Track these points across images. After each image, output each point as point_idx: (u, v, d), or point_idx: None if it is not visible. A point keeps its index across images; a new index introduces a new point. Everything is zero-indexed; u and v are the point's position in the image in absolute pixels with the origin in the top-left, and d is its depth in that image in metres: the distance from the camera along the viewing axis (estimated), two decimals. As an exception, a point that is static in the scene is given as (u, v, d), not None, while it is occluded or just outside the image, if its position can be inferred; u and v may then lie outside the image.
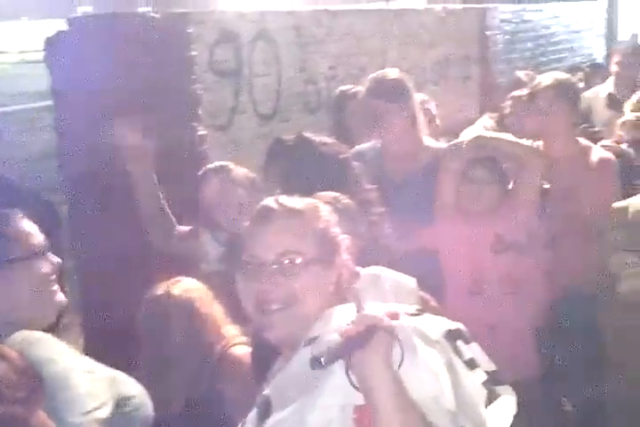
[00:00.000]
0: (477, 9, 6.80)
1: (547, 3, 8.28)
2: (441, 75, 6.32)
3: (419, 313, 1.60)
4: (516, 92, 4.91)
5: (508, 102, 4.87)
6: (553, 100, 3.63)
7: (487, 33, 6.85)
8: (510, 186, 3.37)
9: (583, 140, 3.80)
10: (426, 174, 3.54)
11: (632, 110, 4.93)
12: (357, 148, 3.79)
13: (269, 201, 1.69)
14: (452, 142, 3.54)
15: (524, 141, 3.60)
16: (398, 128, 3.59)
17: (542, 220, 3.55)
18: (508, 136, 3.65)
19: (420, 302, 2.48)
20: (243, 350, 2.59)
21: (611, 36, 9.88)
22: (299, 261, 1.60)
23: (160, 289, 2.78)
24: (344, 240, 1.71)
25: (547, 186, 3.63)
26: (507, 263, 3.25)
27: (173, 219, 3.24)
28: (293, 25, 4.55)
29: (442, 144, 3.79)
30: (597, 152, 3.73)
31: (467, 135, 4.62)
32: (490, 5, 7.05)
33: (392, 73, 3.76)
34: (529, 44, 7.78)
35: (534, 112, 3.77)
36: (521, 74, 5.84)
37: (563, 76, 3.79)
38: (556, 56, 8.46)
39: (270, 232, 1.64)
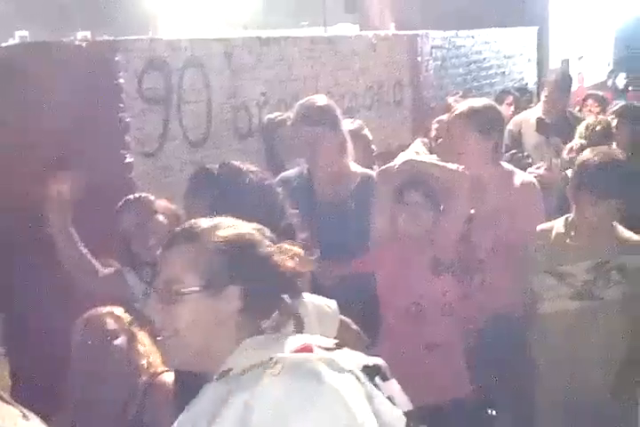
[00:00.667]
0: (409, 35, 6.93)
1: (478, 29, 8.44)
2: (374, 100, 6.41)
3: (336, 347, 1.59)
4: (441, 117, 5.02)
5: (434, 127, 4.97)
6: (466, 126, 3.71)
7: (418, 59, 6.97)
8: (442, 209, 3.45)
9: (506, 165, 3.88)
10: (354, 199, 3.60)
11: (580, 137, 5.06)
12: (284, 174, 3.85)
13: (183, 225, 1.69)
14: (383, 167, 3.59)
15: (451, 165, 3.68)
16: (327, 153, 3.65)
17: (470, 243, 3.63)
18: (436, 160, 3.73)
19: (341, 325, 2.53)
20: (170, 378, 2.60)
21: (542, 61, 10.13)
22: (180, 289, 1.56)
23: (91, 315, 2.78)
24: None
25: (472, 210, 3.72)
26: (444, 285, 3.30)
27: (95, 264, 3.22)
28: (224, 52, 4.59)
29: (369, 170, 3.86)
30: (520, 176, 3.82)
31: (398, 159, 4.71)
32: (420, 32, 7.18)
33: (320, 99, 3.82)
34: (461, 70, 7.94)
35: (453, 138, 3.86)
36: (451, 99, 5.96)
37: (480, 103, 3.82)
38: (488, 81, 8.64)
39: (165, 258, 1.62)
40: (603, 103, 7.33)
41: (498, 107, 3.99)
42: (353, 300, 3.06)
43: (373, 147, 4.85)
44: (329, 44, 5.77)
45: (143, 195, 3.28)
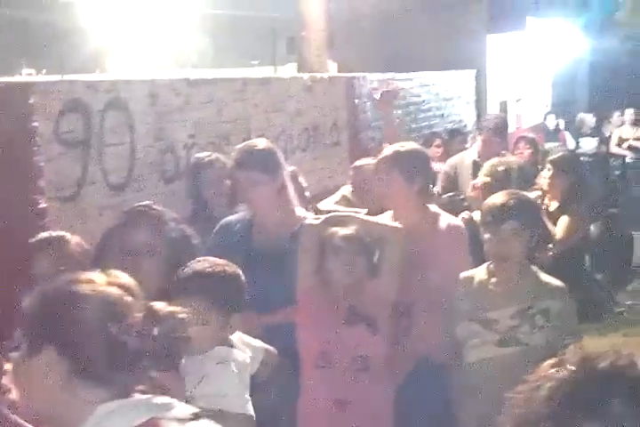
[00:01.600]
0: (346, 78, 6.93)
1: (416, 72, 8.50)
2: (309, 141, 6.36)
3: (192, 418, 1.47)
4: (359, 162, 5.01)
5: (352, 172, 4.97)
6: (391, 170, 3.67)
7: (355, 101, 6.96)
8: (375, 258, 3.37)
9: (433, 208, 3.83)
10: (291, 246, 3.50)
11: (485, 174, 5.06)
12: (227, 218, 3.77)
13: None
14: (308, 221, 3.50)
15: (379, 218, 3.63)
16: (265, 199, 3.57)
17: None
18: (362, 214, 3.68)
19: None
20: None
21: (480, 103, 10.24)
22: (20, 351, 1.49)
23: None
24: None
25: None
26: (358, 337, 3.20)
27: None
28: (149, 93, 4.49)
29: (308, 214, 3.79)
30: (446, 220, 3.77)
31: (323, 205, 4.64)
32: (358, 74, 7.19)
33: (260, 143, 3.75)
34: (399, 112, 7.94)
35: (378, 182, 3.81)
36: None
37: (405, 147, 3.80)
38: (427, 123, 8.68)
39: None
40: (534, 145, 7.40)
41: (424, 151, 3.97)
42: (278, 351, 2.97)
43: (307, 193, 4.81)
44: (262, 86, 5.71)
45: (61, 233, 3.16)
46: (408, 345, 3.49)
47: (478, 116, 10.21)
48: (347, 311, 3.24)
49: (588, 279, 8.77)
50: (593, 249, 9.94)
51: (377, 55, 10.31)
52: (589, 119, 12.40)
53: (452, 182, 6.43)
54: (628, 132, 12.28)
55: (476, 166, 6.01)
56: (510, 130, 11.47)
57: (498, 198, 3.24)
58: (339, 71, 10.89)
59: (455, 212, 5.69)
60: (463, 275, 3.35)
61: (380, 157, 3.80)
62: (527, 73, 11.96)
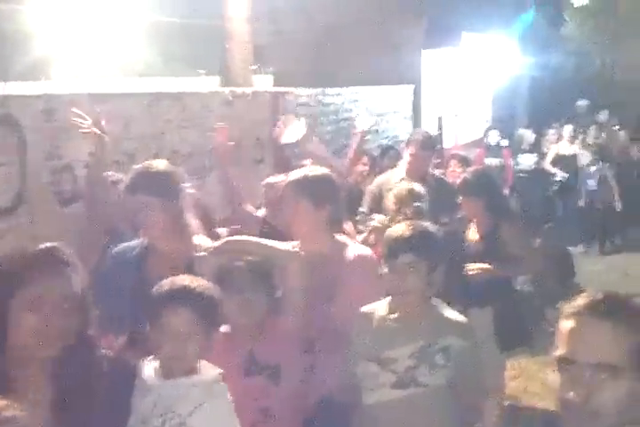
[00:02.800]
0: (270, 93, 6.70)
1: (352, 86, 8.32)
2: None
3: None
4: (272, 179, 4.76)
5: (263, 190, 4.73)
6: (298, 196, 3.44)
7: (280, 116, 6.72)
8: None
9: (340, 237, 3.60)
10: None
11: (391, 203, 4.87)
12: (123, 244, 3.46)
13: None
14: (200, 253, 3.24)
15: (282, 245, 3.37)
16: (161, 225, 3.28)
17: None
18: (264, 240, 3.42)
19: None
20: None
21: (417, 118, 10.11)
22: None
23: None
24: None
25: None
26: (259, 389, 2.94)
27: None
28: (43, 109, 4.21)
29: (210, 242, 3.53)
30: (354, 249, 3.53)
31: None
32: (283, 89, 6.98)
33: (157, 165, 3.41)
34: (329, 128, 7.76)
35: (285, 206, 3.57)
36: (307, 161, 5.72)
37: (316, 171, 3.55)
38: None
39: None
40: (465, 164, 7.26)
41: (333, 177, 3.70)
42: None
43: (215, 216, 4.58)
44: (176, 101, 5.46)
45: None
46: (311, 386, 3.26)
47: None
48: (246, 360, 2.99)
49: (519, 298, 8.72)
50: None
51: (313, 69, 10.13)
52: (528, 135, 12.33)
53: (378, 202, 6.21)
54: (565, 148, 12.26)
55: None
56: (448, 145, 11.41)
57: (395, 230, 3.03)
58: (275, 85, 10.71)
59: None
60: (363, 310, 3.12)
61: (288, 181, 3.55)
62: (465, 88, 11.87)
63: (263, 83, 10.96)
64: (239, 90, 6.34)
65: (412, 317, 2.97)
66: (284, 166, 6.78)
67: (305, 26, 10.15)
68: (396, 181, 5.88)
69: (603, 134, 12.70)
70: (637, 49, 33.14)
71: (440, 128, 10.97)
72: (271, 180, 4.82)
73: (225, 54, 6.93)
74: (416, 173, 5.87)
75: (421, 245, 2.93)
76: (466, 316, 3.23)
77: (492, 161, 11.63)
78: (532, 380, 7.11)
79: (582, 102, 14.87)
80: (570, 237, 11.95)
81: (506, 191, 11.69)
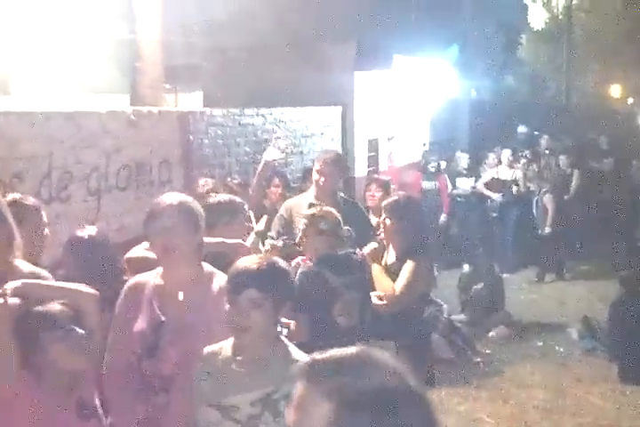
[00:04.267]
0: (179, 113, 6.45)
1: (281, 107, 8.11)
2: (131, 180, 5.84)
3: None
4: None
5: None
6: (173, 220, 3.19)
7: (190, 137, 6.49)
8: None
9: (207, 266, 3.35)
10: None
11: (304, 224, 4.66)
12: None
13: None
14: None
15: (74, 285, 3.14)
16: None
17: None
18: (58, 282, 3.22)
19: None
20: None
21: (346, 140, 9.92)
22: None
23: None
24: None
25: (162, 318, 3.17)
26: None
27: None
28: None
29: (34, 268, 3.29)
30: (220, 279, 3.29)
31: (133, 253, 4.15)
32: (195, 109, 6.74)
33: None
34: (247, 148, 7.53)
35: (154, 234, 3.30)
36: (202, 181, 5.49)
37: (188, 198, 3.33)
38: (284, 161, 8.25)
39: None
40: (386, 188, 7.08)
41: (194, 203, 3.43)
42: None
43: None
44: (68, 120, 5.18)
45: None
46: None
47: (344, 153, 9.88)
48: (77, 402, 2.73)
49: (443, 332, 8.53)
50: (461, 294, 9.76)
51: (244, 89, 9.92)
52: (464, 158, 12.26)
53: (287, 226, 6.00)
54: (505, 173, 12.17)
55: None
56: (382, 168, 11.27)
57: (241, 263, 2.79)
58: (205, 104, 10.47)
59: (288, 257, 5.28)
60: (207, 349, 2.86)
61: (159, 206, 3.28)
62: (401, 111, 11.75)
63: (191, 102, 10.76)
64: (144, 109, 6.08)
65: (258, 359, 2.72)
66: (194, 187, 6.56)
67: (238, 44, 9.93)
68: (304, 204, 5.67)
69: (542, 160, 12.64)
70: (590, 75, 33.68)
71: (375, 150, 10.83)
72: None
73: (135, 73, 6.67)
74: (325, 195, 5.67)
75: (268, 280, 2.69)
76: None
77: (427, 184, 11.54)
78: (449, 414, 6.89)
79: (523, 128, 14.90)
80: (508, 263, 11.87)
81: (443, 215, 11.65)
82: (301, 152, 8.78)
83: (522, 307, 10.02)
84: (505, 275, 11.56)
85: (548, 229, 11.33)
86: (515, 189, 11.77)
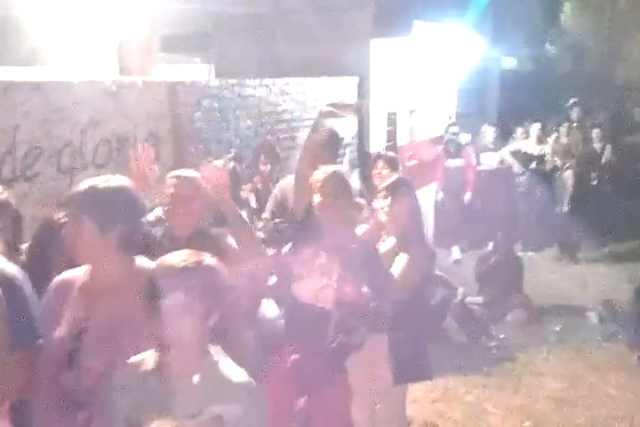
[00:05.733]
0: (166, 83, 6.07)
1: (275, 78, 7.69)
2: (111, 156, 5.50)
3: None
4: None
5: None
6: (79, 214, 2.81)
7: (179, 110, 6.12)
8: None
9: (142, 261, 2.97)
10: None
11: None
12: None
13: None
14: None
15: None
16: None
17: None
18: None
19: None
20: None
21: (362, 113, 9.44)
22: None
23: None
24: None
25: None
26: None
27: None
28: None
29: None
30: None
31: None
32: (186, 80, 6.36)
33: None
34: (249, 122, 7.14)
35: (66, 227, 2.95)
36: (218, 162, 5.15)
37: (108, 182, 2.84)
38: (289, 134, 7.87)
39: None
40: (392, 165, 6.64)
41: (128, 188, 3.02)
42: None
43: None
44: (35, 91, 4.85)
45: None
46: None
47: (361, 128, 9.45)
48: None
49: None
50: (478, 275, 9.31)
51: (255, 59, 9.52)
52: (490, 132, 11.71)
53: (282, 207, 5.69)
54: (532, 147, 11.65)
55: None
56: (403, 142, 10.79)
57: (166, 259, 2.41)
58: (217, 75, 10.09)
59: (281, 240, 4.93)
60: (131, 360, 2.51)
61: (72, 192, 2.92)
62: (423, 82, 11.22)
63: (203, 72, 10.38)
64: (126, 79, 5.72)
65: (182, 376, 2.36)
66: (186, 164, 6.22)
67: (246, 12, 9.51)
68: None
69: (571, 135, 12.06)
70: (635, 45, 32.47)
71: (393, 124, 10.36)
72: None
73: (122, 42, 6.30)
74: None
75: (197, 282, 2.32)
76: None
77: (452, 162, 11.07)
78: (454, 403, 6.53)
79: (572, 100, 14.21)
80: (533, 241, 11.38)
81: (468, 193, 11.17)
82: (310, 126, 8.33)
83: (542, 289, 9.55)
84: (530, 253, 11.13)
85: (566, 208, 10.83)
86: (539, 165, 11.24)
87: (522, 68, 18.12)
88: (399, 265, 4.41)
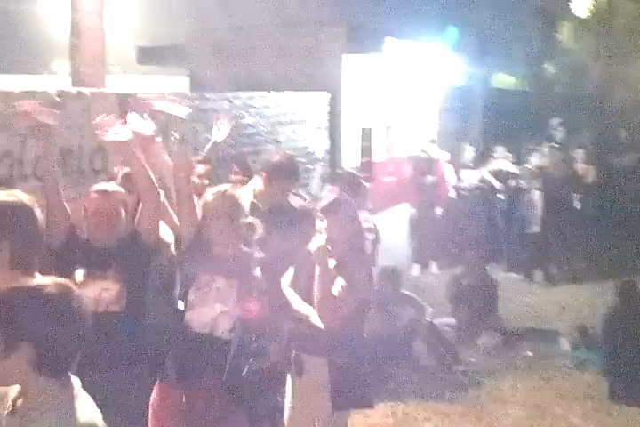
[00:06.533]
0: (118, 95, 5.86)
1: (237, 92, 7.50)
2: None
3: None
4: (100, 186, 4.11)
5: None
6: None
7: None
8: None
9: (42, 279, 2.77)
10: None
11: None
12: None
13: None
14: None
15: None
16: None
17: None
18: None
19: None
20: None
21: (335, 128, 9.27)
22: None
23: None
24: None
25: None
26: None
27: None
28: None
29: None
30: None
31: None
32: (131, 92, 6.15)
33: None
34: (208, 136, 6.93)
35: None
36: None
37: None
38: (252, 148, 7.67)
39: None
40: (353, 184, 6.45)
41: (21, 203, 2.90)
42: None
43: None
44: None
45: None
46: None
47: (332, 143, 9.28)
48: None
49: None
50: (450, 295, 9.06)
51: (230, 73, 9.36)
52: (470, 151, 11.57)
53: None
54: (511, 166, 11.50)
55: (254, 208, 5.00)
56: (380, 159, 10.61)
57: None
58: (192, 88, 9.93)
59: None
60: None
61: None
62: (401, 99, 11.05)
63: (177, 85, 10.22)
64: (73, 90, 5.52)
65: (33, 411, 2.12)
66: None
67: (221, 25, 9.37)
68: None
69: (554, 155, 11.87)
70: (633, 66, 32.39)
71: (368, 140, 10.19)
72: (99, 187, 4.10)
73: (73, 52, 6.11)
74: (268, 197, 5.09)
75: None
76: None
77: (427, 179, 10.97)
78: (406, 432, 6.28)
79: (556, 120, 14.05)
80: (510, 261, 11.16)
81: (439, 209, 11.04)
82: (276, 140, 8.17)
83: (518, 311, 9.34)
84: (512, 274, 10.93)
85: (537, 228, 10.65)
86: (518, 183, 11.07)
87: (513, 87, 18.00)
88: (335, 290, 4.20)
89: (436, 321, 8.25)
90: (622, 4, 30.31)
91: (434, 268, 11.09)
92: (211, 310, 3.73)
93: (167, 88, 10.17)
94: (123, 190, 4.06)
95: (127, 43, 10.37)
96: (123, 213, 3.97)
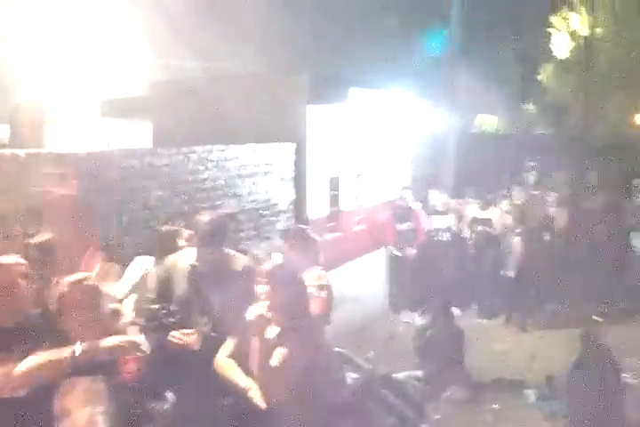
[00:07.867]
0: (54, 155, 5.77)
1: (194, 146, 7.45)
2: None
3: None
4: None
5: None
6: None
7: (74, 181, 5.82)
8: None
9: None
10: None
11: None
12: None
13: None
14: None
15: None
16: None
17: None
18: None
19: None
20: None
21: (301, 178, 9.20)
22: None
23: None
24: None
25: None
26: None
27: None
28: None
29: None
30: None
31: None
32: (81, 151, 6.11)
33: None
34: (160, 192, 6.87)
35: None
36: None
37: None
38: (210, 204, 7.57)
39: None
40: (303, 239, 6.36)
41: None
42: None
43: None
44: None
45: None
46: None
47: (298, 193, 9.21)
48: None
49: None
50: (416, 347, 8.90)
51: (191, 124, 9.33)
52: (439, 197, 11.52)
53: (167, 289, 5.13)
54: (482, 212, 11.45)
55: (194, 272, 4.85)
56: (350, 208, 10.53)
57: None
58: (155, 140, 9.90)
59: (165, 330, 4.56)
60: None
61: None
62: (370, 147, 11.02)
63: (141, 137, 10.20)
64: (7, 152, 5.44)
65: None
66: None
67: (186, 77, 9.37)
68: (182, 265, 4.93)
69: (527, 199, 11.84)
70: (613, 106, 32.52)
71: (335, 189, 10.13)
72: None
73: (13, 112, 6.05)
74: (211, 257, 4.93)
75: None
76: None
77: (402, 226, 10.93)
78: None
79: (530, 163, 14.05)
80: (485, 308, 11.02)
81: (414, 255, 10.96)
82: (236, 193, 8.08)
83: (487, 361, 9.17)
84: (483, 321, 10.79)
85: (511, 273, 10.56)
86: (491, 229, 11.01)
87: (495, 129, 18.02)
88: (275, 359, 4.07)
89: (401, 374, 8.07)
90: (602, 45, 30.58)
91: (406, 315, 10.97)
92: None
93: (130, 139, 10.17)
94: (23, 262, 3.80)
95: (89, 95, 10.33)
96: (22, 286, 3.70)
